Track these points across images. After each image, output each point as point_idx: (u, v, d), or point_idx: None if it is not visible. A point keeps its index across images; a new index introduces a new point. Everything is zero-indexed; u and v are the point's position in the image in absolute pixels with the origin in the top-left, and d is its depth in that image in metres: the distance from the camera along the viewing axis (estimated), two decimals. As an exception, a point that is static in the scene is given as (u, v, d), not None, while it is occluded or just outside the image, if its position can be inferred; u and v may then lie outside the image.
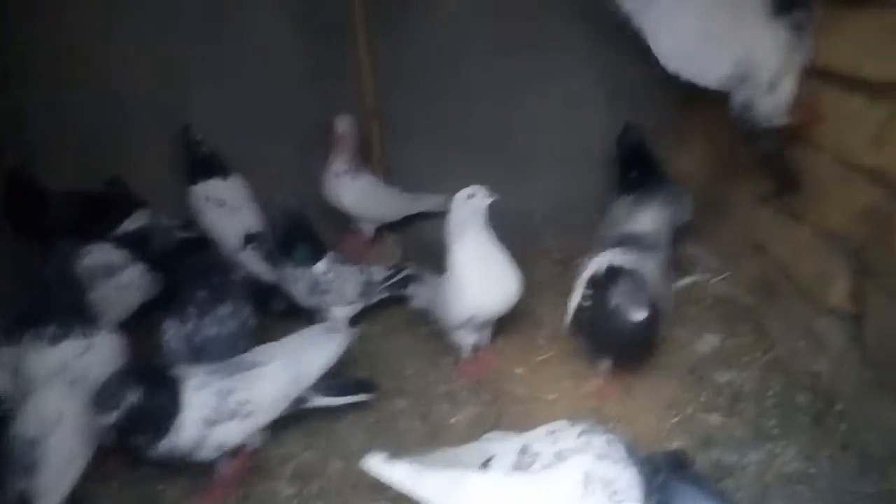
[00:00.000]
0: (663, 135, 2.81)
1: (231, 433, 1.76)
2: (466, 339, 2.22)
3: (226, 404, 1.74)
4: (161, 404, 1.67)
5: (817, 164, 2.09)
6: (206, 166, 2.71)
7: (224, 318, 2.03)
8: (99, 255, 2.31)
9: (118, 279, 2.31)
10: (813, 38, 2.04)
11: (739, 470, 1.74)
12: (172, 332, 2.01)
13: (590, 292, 2.03)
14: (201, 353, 1.98)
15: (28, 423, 1.67)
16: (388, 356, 2.34)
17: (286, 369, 1.88)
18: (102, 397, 1.61)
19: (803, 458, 1.74)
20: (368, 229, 2.94)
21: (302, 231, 2.40)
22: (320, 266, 2.37)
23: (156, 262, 2.41)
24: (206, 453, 1.74)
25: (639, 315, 1.86)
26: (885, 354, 1.75)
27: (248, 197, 2.72)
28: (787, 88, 2.07)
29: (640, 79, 2.60)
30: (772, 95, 2.07)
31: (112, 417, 1.60)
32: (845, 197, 1.95)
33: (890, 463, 1.66)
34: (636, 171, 2.60)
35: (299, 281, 2.38)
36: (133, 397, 1.61)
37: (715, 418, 1.91)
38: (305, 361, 1.92)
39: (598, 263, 2.01)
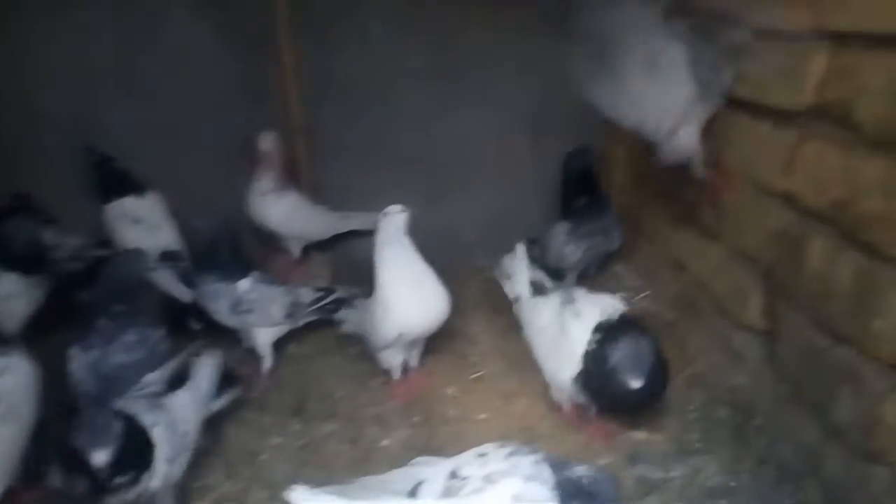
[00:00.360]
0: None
1: (180, 467, 1.68)
2: (395, 359, 2.20)
3: (177, 437, 1.65)
4: (142, 440, 1.56)
5: (729, 188, 2.18)
6: (119, 183, 2.60)
7: (131, 346, 1.91)
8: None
9: None
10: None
11: (664, 484, 1.78)
12: (78, 361, 1.89)
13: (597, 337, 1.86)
14: (110, 382, 1.86)
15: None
16: (316, 378, 2.29)
17: (191, 392, 1.81)
18: (95, 432, 1.47)
19: (725, 471, 1.80)
20: (296, 249, 2.88)
21: (226, 245, 2.32)
22: (244, 284, 2.29)
23: (27, 264, 2.23)
24: (163, 493, 1.65)
25: (636, 383, 1.76)
26: (798, 370, 1.84)
27: (165, 214, 2.62)
28: (688, 136, 2.19)
29: (568, 103, 2.65)
30: (670, 143, 2.21)
31: (108, 454, 1.46)
32: (758, 219, 2.04)
33: (804, 475, 1.74)
34: (583, 196, 2.66)
35: (220, 298, 2.28)
36: (119, 431, 1.49)
37: (640, 434, 1.96)
38: (200, 380, 1.87)
39: (608, 308, 1.91)
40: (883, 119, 1.56)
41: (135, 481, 1.53)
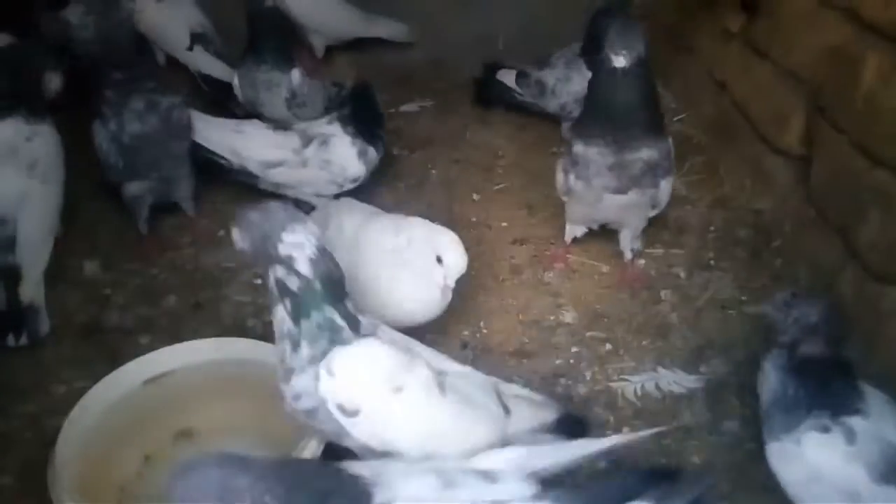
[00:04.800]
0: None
1: None
2: None
3: None
4: None
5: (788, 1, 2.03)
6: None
7: (141, 114, 1.88)
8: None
9: None
10: None
11: (675, 290, 1.85)
12: (101, 135, 1.90)
13: None
14: (134, 152, 1.89)
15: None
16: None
17: None
18: None
19: (737, 286, 1.85)
20: (320, 45, 2.78)
21: (278, 31, 2.21)
22: (296, 75, 2.21)
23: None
24: None
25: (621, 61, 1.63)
26: (828, 193, 1.82)
27: None
28: None
29: None
30: None
31: None
32: (813, 34, 1.91)
33: (815, 293, 1.76)
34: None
35: (274, 87, 2.19)
36: None
37: (657, 250, 1.98)
38: None
39: None
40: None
41: None
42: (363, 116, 2.10)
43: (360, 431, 1.19)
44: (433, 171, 2.33)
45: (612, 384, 1.61)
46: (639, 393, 1.58)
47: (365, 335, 1.22)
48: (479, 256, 1.90)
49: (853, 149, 1.71)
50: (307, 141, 2.04)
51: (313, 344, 1.17)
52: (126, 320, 1.78)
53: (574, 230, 1.91)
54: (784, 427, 1.23)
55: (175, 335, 1.63)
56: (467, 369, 1.35)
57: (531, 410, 1.33)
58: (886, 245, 1.58)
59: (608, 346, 1.71)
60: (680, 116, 2.52)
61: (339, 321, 1.19)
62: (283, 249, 1.17)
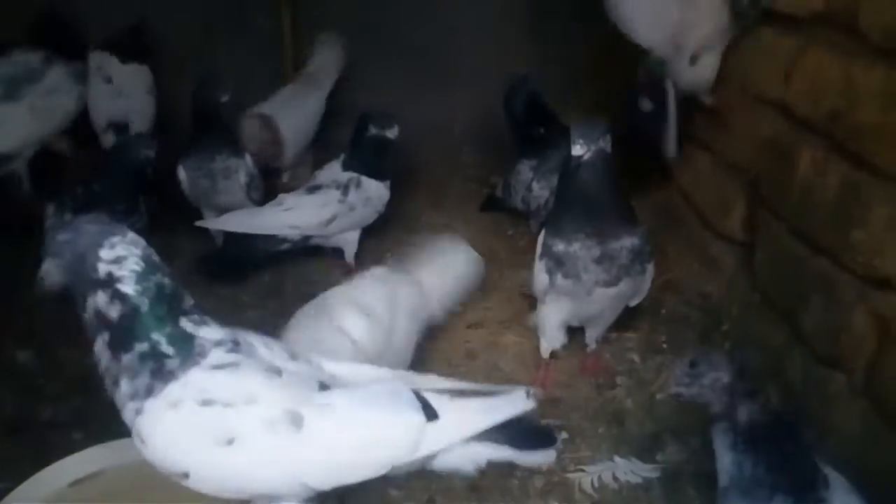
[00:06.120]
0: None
1: None
2: None
3: None
4: None
5: (724, 94, 2.14)
6: None
7: None
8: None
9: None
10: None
11: (631, 375, 1.86)
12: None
13: None
14: None
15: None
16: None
17: None
18: None
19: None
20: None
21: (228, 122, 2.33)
22: (249, 158, 2.32)
23: None
24: None
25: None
26: (772, 278, 1.87)
27: None
28: (710, 65, 2.12)
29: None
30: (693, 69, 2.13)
31: None
32: (750, 127, 2.01)
33: (765, 378, 1.78)
34: (538, 128, 2.48)
35: (233, 174, 2.27)
36: None
37: (610, 334, 1.99)
38: None
39: None
40: (889, 26, 1.52)
41: None
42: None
43: (203, 488, 1.07)
44: (388, 254, 2.33)
45: (568, 475, 1.57)
46: (595, 484, 1.55)
47: (196, 361, 1.05)
48: (434, 341, 1.88)
49: (793, 236, 1.77)
50: (344, 189, 2.21)
51: (133, 380, 1.03)
52: (59, 414, 1.68)
53: (553, 341, 1.82)
54: None
55: (111, 430, 1.53)
56: (373, 372, 1.21)
57: (474, 413, 1.13)
58: (829, 330, 1.61)
59: (564, 435, 1.68)
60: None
61: (166, 347, 1.04)
62: (102, 269, 1.03)
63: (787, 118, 1.84)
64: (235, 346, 1.09)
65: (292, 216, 2.19)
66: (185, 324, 1.07)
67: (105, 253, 1.04)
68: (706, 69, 2.13)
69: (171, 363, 1.04)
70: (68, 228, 1.07)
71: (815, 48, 1.75)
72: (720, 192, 2.13)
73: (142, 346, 1.03)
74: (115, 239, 1.05)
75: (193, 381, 1.04)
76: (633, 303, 1.81)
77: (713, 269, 2.12)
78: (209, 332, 1.08)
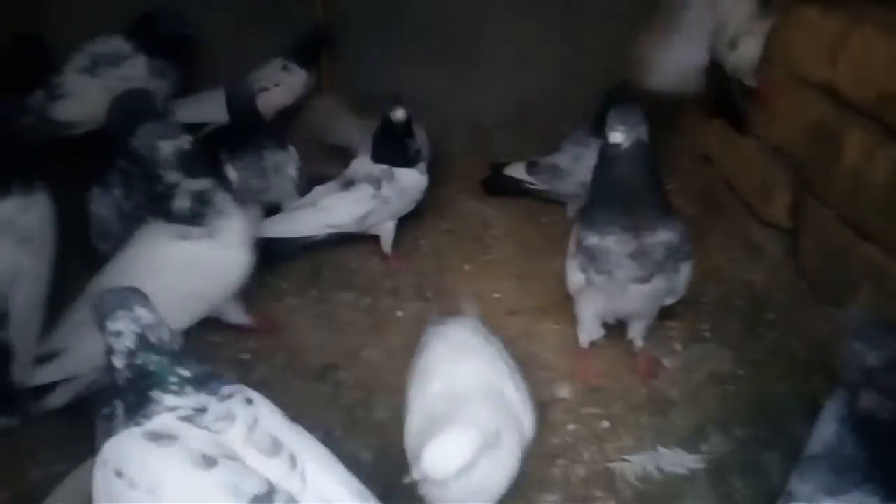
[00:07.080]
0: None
1: None
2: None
3: None
4: None
5: (768, 77, 2.10)
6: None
7: None
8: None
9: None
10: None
11: (671, 365, 1.83)
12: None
13: None
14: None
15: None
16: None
17: None
18: None
19: (733, 360, 1.82)
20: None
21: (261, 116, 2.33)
22: (293, 149, 2.33)
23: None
24: None
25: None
26: (818, 267, 1.83)
27: None
28: (751, 48, 2.10)
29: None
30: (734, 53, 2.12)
31: None
32: (795, 111, 1.97)
33: (813, 369, 1.75)
34: None
35: (282, 168, 2.27)
36: None
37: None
38: None
39: None
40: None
41: None
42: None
43: None
44: (422, 242, 2.34)
45: (610, 465, 1.56)
46: (639, 474, 1.54)
47: (139, 422, 1.03)
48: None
49: (840, 223, 1.73)
50: (377, 183, 2.18)
51: (98, 434, 1.07)
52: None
53: (591, 333, 1.80)
54: (827, 488, 1.07)
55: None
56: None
57: None
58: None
59: (606, 424, 1.67)
60: (666, 188, 2.55)
61: (119, 409, 1.05)
62: (106, 339, 1.09)
63: (834, 101, 1.80)
64: (198, 413, 1.04)
65: (329, 216, 2.18)
66: (156, 393, 1.05)
67: (110, 324, 1.10)
68: (747, 52, 2.10)
69: (117, 421, 1.05)
70: (98, 294, 1.16)
71: (863, 27, 1.71)
72: (764, 177, 2.09)
73: (107, 409, 1.07)
74: (120, 313, 1.09)
75: (119, 445, 1.03)
76: (669, 301, 1.76)
77: (757, 257, 2.08)
78: (177, 401, 1.05)
